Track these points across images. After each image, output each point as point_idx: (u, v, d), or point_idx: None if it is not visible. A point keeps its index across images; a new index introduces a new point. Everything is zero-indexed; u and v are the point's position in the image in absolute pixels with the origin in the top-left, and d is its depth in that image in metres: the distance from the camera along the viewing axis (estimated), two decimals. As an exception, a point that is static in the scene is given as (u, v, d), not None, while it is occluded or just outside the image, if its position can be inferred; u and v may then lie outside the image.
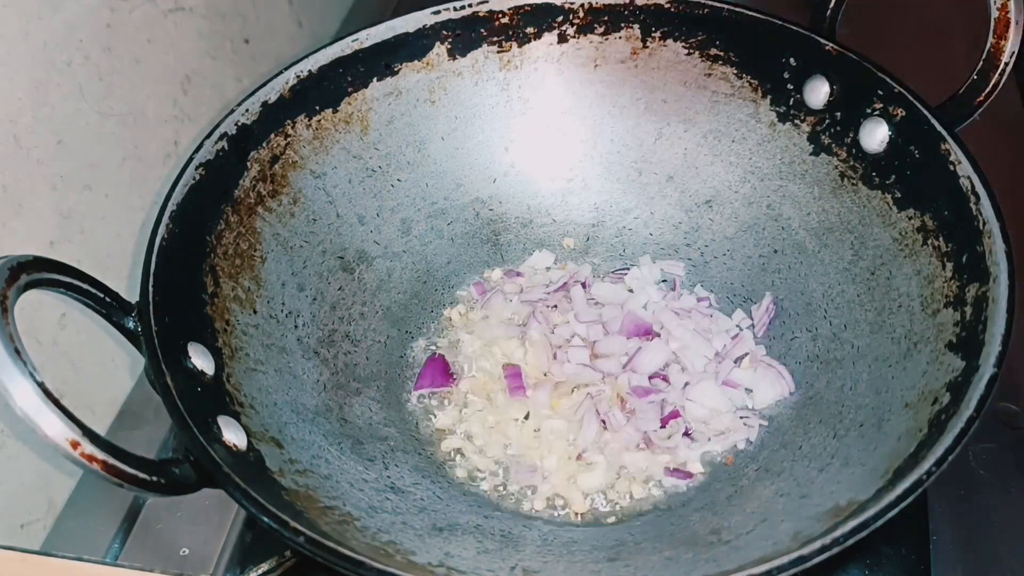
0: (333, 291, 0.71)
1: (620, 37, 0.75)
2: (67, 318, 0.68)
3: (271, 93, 0.68)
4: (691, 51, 0.74)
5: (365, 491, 0.61)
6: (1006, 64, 0.61)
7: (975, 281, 0.57)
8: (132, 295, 0.56)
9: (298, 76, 0.70)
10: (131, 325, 0.55)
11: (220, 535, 0.64)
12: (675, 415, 0.65)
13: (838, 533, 0.46)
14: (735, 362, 0.69)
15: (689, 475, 0.63)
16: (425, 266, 0.75)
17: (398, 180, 0.75)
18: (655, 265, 0.75)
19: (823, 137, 0.70)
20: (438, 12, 0.73)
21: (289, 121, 0.70)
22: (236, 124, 0.66)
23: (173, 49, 0.79)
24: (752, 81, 0.73)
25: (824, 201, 0.70)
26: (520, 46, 0.76)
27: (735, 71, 0.73)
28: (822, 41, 0.69)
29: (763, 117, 0.73)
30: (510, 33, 0.75)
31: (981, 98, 0.63)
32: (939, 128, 0.62)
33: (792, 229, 0.72)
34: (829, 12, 0.71)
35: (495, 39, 0.75)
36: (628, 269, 0.75)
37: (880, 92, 0.66)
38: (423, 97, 0.75)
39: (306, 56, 0.70)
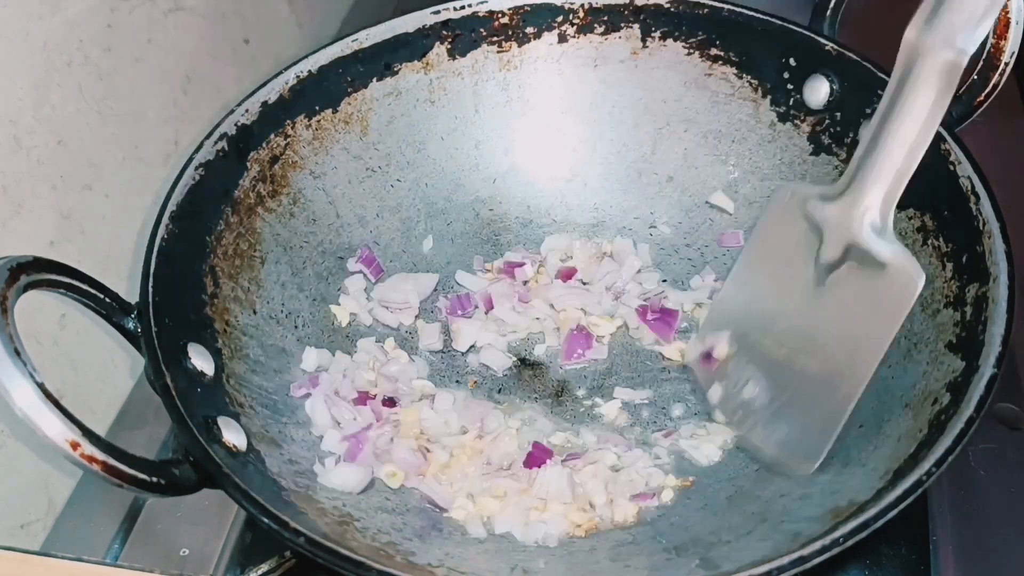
0: (333, 291, 0.71)
1: (620, 37, 0.75)
2: (67, 318, 0.68)
3: (271, 93, 0.68)
4: (691, 51, 0.74)
5: (365, 491, 0.61)
6: (1006, 64, 0.61)
7: (975, 281, 0.57)
8: (132, 295, 0.56)
9: (298, 76, 0.70)
10: (131, 325, 0.55)
11: (220, 535, 0.64)
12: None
13: (838, 533, 0.47)
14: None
15: (652, 498, 0.61)
16: (425, 266, 0.75)
17: (398, 180, 0.75)
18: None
19: (823, 137, 0.70)
20: (438, 12, 0.73)
21: (289, 121, 0.70)
22: (236, 124, 0.66)
23: (173, 49, 0.79)
24: (752, 81, 0.73)
25: (824, 201, 0.70)
26: (520, 46, 0.76)
27: (735, 71, 0.73)
28: (822, 41, 0.69)
29: (763, 117, 0.73)
30: (510, 33, 0.75)
31: (981, 98, 0.63)
32: (939, 128, 0.62)
33: (792, 229, 0.72)
34: (829, 12, 0.71)
35: (495, 39, 0.75)
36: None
37: (880, 92, 0.65)
38: (423, 97, 0.75)
39: (306, 56, 0.70)
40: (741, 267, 0.65)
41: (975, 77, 0.62)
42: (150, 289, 0.56)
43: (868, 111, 0.66)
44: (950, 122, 0.62)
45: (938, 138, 0.62)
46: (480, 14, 0.74)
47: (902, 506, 0.47)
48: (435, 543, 0.58)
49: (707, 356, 0.66)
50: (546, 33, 0.76)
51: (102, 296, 0.54)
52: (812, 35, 0.69)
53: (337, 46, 0.71)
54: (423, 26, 0.73)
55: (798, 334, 0.59)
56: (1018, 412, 0.67)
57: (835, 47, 0.68)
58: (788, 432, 0.59)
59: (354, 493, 0.60)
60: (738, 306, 0.64)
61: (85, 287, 0.53)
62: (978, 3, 0.49)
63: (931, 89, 0.51)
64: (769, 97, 0.73)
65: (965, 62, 0.50)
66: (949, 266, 0.60)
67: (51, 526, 0.67)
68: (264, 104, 0.68)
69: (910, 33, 0.52)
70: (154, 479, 0.48)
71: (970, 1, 0.49)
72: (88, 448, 0.45)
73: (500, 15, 0.75)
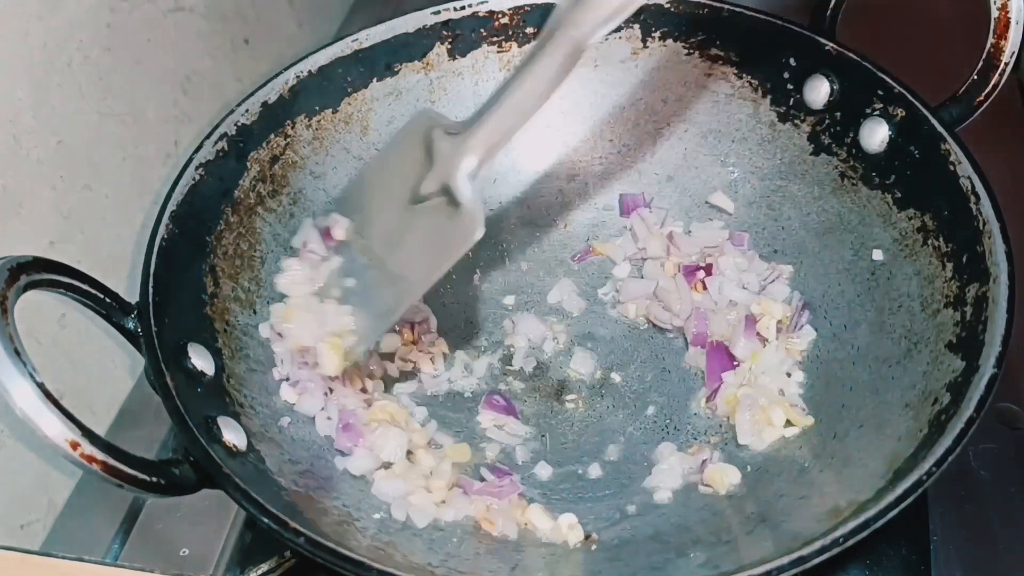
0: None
1: (620, 37, 0.75)
2: (67, 318, 0.68)
3: (271, 93, 0.68)
4: (691, 51, 0.74)
5: (365, 491, 0.61)
6: (1006, 64, 0.61)
7: (975, 281, 0.57)
8: (132, 295, 0.56)
9: (298, 76, 0.70)
10: (131, 325, 0.55)
11: (220, 535, 0.64)
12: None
13: (838, 534, 0.47)
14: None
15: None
16: (425, 266, 0.75)
17: (398, 180, 0.75)
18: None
19: (823, 137, 0.70)
20: (438, 12, 0.73)
21: (289, 121, 0.70)
22: (236, 124, 0.66)
23: (173, 49, 0.79)
24: (752, 81, 0.73)
25: (824, 201, 0.70)
26: (520, 46, 0.76)
27: (735, 71, 0.73)
28: (822, 41, 0.69)
29: (763, 117, 0.73)
30: (510, 33, 0.75)
31: (981, 98, 0.63)
32: (939, 128, 0.62)
33: (792, 229, 0.72)
34: (829, 12, 0.71)
35: (495, 39, 0.75)
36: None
37: (880, 92, 0.66)
38: (423, 97, 0.75)
39: (306, 56, 0.70)
40: (372, 166, 0.67)
41: (975, 77, 0.63)
42: (150, 289, 0.56)
43: (868, 111, 0.66)
44: (950, 122, 0.62)
45: (938, 138, 0.62)
46: (480, 14, 0.74)
47: (902, 506, 0.47)
48: (435, 543, 0.58)
49: (327, 233, 0.65)
50: (546, 33, 0.76)
51: (102, 296, 0.54)
52: (812, 35, 0.69)
53: (337, 46, 0.71)
54: (423, 26, 0.73)
55: (392, 239, 0.62)
56: (1018, 412, 0.67)
57: (835, 47, 0.68)
58: (363, 315, 0.61)
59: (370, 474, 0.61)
60: (358, 199, 0.66)
61: (85, 287, 0.53)
62: (606, 8, 0.51)
63: (553, 61, 0.53)
64: (769, 97, 0.73)
65: (583, 51, 0.53)
66: (949, 266, 0.60)
67: (51, 526, 0.67)
68: (264, 104, 0.68)
69: (561, 2, 0.53)
70: (154, 479, 0.48)
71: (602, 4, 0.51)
72: (88, 448, 0.45)
73: (500, 15, 0.75)
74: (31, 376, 0.44)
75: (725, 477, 0.61)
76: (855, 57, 0.67)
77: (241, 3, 0.89)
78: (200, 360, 0.57)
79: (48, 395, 0.45)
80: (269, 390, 0.63)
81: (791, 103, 0.71)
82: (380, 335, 0.63)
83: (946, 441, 0.49)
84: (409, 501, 0.60)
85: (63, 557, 0.49)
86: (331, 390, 0.64)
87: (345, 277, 0.63)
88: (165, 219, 0.60)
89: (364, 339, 0.61)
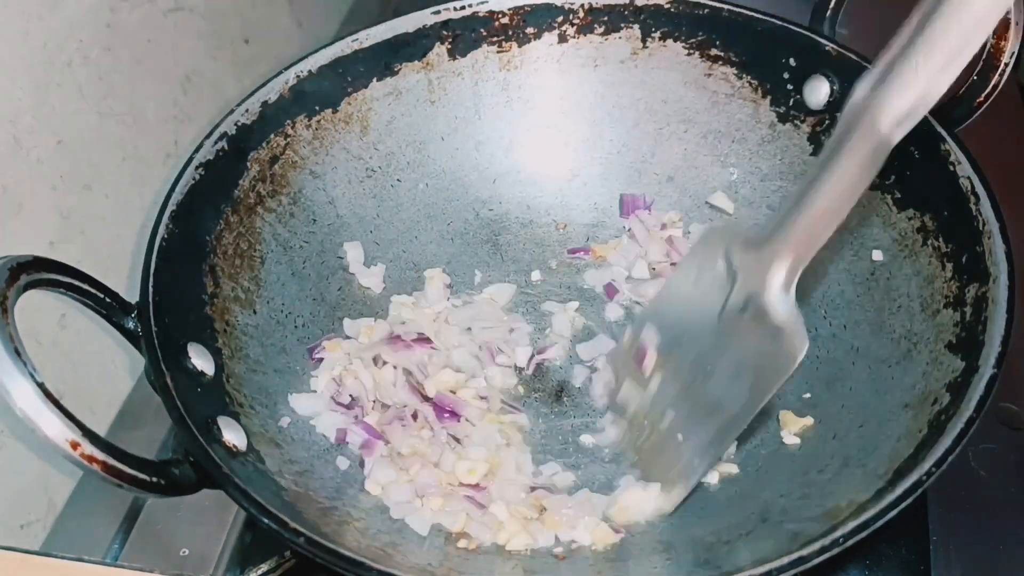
0: (333, 291, 0.71)
1: (620, 37, 0.75)
2: (67, 318, 0.68)
3: (271, 93, 0.68)
4: (691, 51, 0.74)
5: (365, 491, 0.61)
6: (1006, 65, 0.61)
7: (975, 282, 0.57)
8: (132, 296, 0.56)
9: (298, 76, 0.70)
10: (131, 325, 0.55)
11: (220, 535, 0.64)
12: None
13: (838, 534, 0.47)
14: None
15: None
16: (425, 266, 0.75)
17: (398, 180, 0.75)
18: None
19: (823, 137, 0.70)
20: (438, 12, 0.73)
21: (289, 121, 0.70)
22: (236, 124, 0.66)
23: (173, 49, 0.79)
24: (752, 81, 0.73)
25: (824, 201, 0.70)
26: (520, 46, 0.76)
27: (735, 71, 0.73)
28: (822, 41, 0.69)
29: (763, 117, 0.73)
30: (510, 33, 0.75)
31: (981, 99, 0.63)
32: (939, 128, 0.62)
33: (792, 229, 0.71)
34: (829, 12, 0.71)
35: (495, 39, 0.75)
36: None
37: (880, 92, 0.66)
38: (423, 97, 0.75)
39: (306, 56, 0.70)
40: (670, 285, 0.65)
41: (975, 78, 0.63)
42: (150, 288, 0.56)
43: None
44: (950, 122, 0.62)
45: (938, 138, 0.62)
46: (480, 14, 0.74)
47: (902, 506, 0.47)
48: (435, 543, 0.58)
49: (639, 357, 0.64)
50: (546, 33, 0.76)
51: (102, 296, 0.54)
52: (812, 35, 0.69)
53: (337, 46, 0.71)
54: (423, 26, 0.73)
55: (703, 362, 0.59)
56: (1018, 412, 0.68)
57: (835, 47, 0.68)
58: (686, 448, 0.58)
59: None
60: (665, 314, 0.64)
61: (85, 286, 0.53)
62: (914, 96, 0.47)
63: (858, 158, 0.49)
64: (769, 97, 0.73)
65: (888, 150, 0.49)
66: (949, 266, 0.60)
67: (51, 526, 0.67)
68: (264, 104, 0.68)
69: (859, 92, 0.49)
70: (154, 479, 0.48)
71: (909, 91, 0.47)
72: (88, 448, 0.45)
73: (500, 15, 0.75)
74: (31, 376, 0.44)
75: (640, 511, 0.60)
76: (855, 58, 0.67)
77: (241, 3, 0.89)
78: (200, 360, 0.57)
79: (48, 395, 0.45)
80: (270, 390, 0.63)
81: (791, 103, 0.71)
82: (705, 472, 0.59)
83: (946, 441, 0.49)
84: (414, 506, 0.60)
85: (63, 557, 0.49)
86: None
87: (664, 408, 0.60)
88: (165, 219, 0.60)
89: (688, 478, 0.57)
